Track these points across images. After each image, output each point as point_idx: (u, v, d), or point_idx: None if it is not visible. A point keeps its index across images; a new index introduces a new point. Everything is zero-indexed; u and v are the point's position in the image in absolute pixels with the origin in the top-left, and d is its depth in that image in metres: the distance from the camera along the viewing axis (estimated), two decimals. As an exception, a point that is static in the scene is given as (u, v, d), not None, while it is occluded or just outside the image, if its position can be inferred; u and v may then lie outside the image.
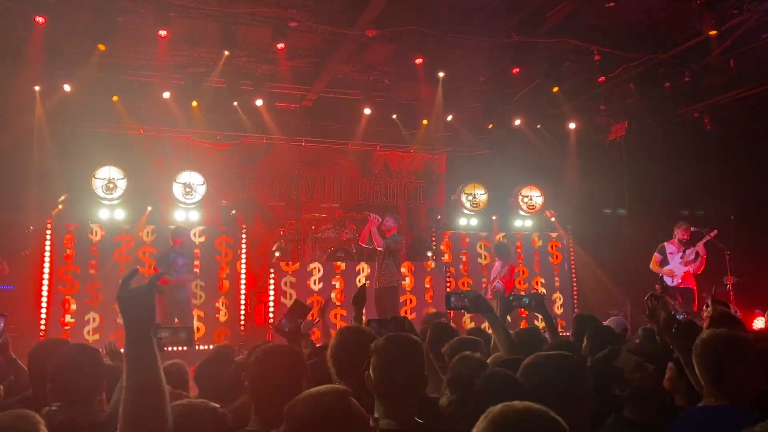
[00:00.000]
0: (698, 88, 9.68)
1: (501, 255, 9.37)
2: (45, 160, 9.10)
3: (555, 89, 9.65)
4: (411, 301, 9.35)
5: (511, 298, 4.09)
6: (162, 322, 7.11)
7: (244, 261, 9.23)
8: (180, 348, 4.60)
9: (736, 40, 8.19)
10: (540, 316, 6.98)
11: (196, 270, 8.67)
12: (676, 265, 8.49)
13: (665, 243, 8.64)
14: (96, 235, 8.55)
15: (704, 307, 5.28)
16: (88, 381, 2.63)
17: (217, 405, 1.92)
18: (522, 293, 9.75)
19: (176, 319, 7.76)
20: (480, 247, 10.26)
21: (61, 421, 2.31)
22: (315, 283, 8.94)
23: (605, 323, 4.80)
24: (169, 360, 3.59)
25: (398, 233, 8.44)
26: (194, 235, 8.94)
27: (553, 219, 10.66)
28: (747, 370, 2.36)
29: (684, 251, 8.50)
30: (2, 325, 3.19)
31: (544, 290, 9.97)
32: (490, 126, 11.51)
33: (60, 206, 8.46)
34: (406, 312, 9.13)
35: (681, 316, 6.93)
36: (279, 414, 1.81)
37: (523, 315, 9.04)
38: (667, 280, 8.50)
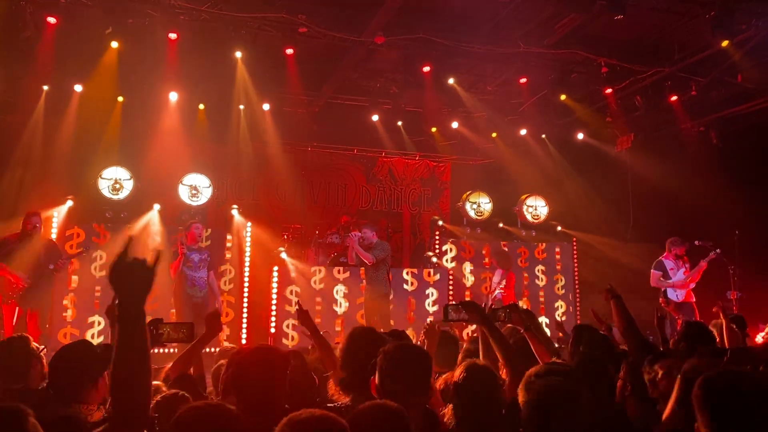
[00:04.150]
0: (705, 102, 9.69)
1: (501, 263, 9.37)
2: (53, 159, 9.15)
3: (562, 97, 9.67)
4: (413, 310, 9.36)
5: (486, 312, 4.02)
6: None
7: (248, 264, 9.24)
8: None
9: (744, 55, 8.21)
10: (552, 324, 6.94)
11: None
12: (682, 280, 8.51)
13: (662, 258, 8.68)
14: (100, 235, 8.57)
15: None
16: (78, 379, 2.64)
17: (232, 407, 1.94)
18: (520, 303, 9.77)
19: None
20: (483, 255, 10.26)
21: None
22: (316, 284, 9.00)
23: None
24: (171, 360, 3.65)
25: (380, 240, 8.49)
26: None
27: (559, 228, 10.67)
28: None
29: (685, 266, 8.53)
30: None
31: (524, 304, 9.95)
32: (494, 135, 11.55)
33: (71, 202, 8.52)
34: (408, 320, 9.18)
35: None
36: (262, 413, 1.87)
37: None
38: (672, 295, 8.49)
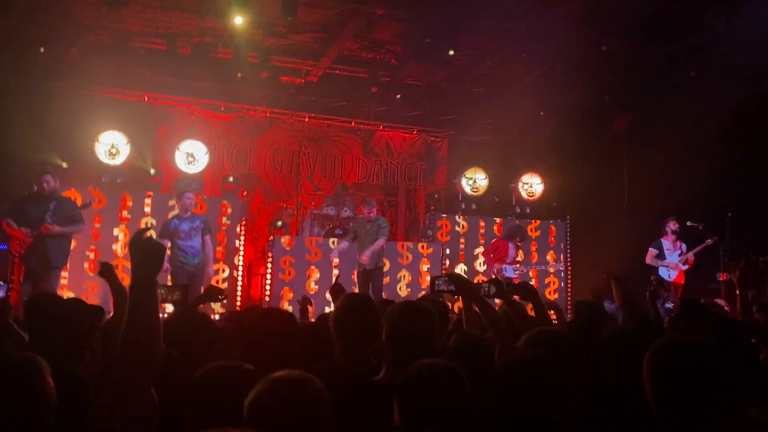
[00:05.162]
0: (705, 84, 9.68)
1: (522, 237, 9.54)
2: (49, 122, 9.12)
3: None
4: (407, 284, 9.44)
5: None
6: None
7: (242, 233, 9.28)
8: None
9: (746, 37, 8.19)
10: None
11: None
12: (676, 261, 8.67)
13: (661, 239, 8.82)
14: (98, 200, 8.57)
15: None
16: (73, 335, 2.68)
17: (251, 366, 2.00)
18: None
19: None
20: (478, 231, 10.33)
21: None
22: (313, 255, 9.07)
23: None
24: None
25: (379, 216, 8.56)
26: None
27: (554, 204, 10.77)
28: None
29: (681, 247, 8.65)
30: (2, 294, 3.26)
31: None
32: (492, 111, 11.54)
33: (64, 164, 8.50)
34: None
35: (671, 306, 7.12)
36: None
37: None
38: (663, 274, 8.62)
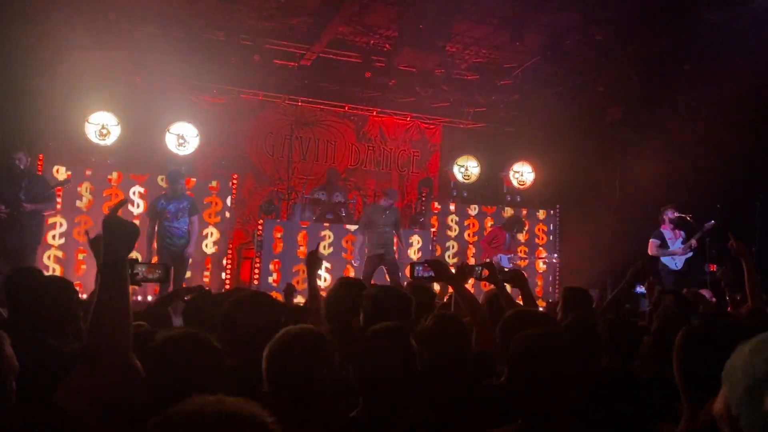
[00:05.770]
0: (698, 77, 9.67)
1: (520, 229, 9.62)
2: (39, 101, 9.03)
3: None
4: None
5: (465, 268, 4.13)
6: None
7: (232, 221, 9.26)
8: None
9: (740, 30, 8.17)
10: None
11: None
12: (679, 250, 8.69)
13: (661, 228, 8.80)
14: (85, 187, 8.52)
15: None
16: (58, 311, 2.69)
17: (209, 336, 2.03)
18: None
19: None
20: (468, 219, 10.35)
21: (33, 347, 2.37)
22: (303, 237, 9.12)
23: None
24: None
25: (396, 207, 8.70)
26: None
27: (545, 194, 10.82)
28: None
29: (681, 235, 8.67)
30: None
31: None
32: (486, 99, 11.52)
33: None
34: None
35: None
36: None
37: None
38: (669, 263, 8.65)
